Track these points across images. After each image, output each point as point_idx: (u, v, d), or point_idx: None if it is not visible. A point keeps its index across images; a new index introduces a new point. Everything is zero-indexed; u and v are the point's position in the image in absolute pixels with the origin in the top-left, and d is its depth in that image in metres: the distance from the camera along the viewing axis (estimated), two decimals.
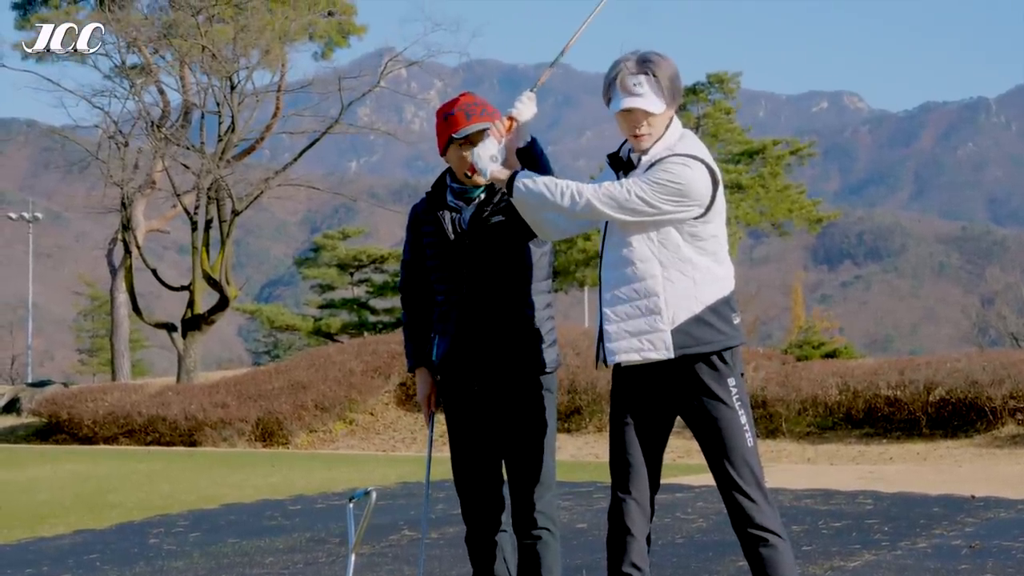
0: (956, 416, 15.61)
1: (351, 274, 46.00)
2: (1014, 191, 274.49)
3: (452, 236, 4.56)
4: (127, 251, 30.74)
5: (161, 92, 31.51)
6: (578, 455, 15.84)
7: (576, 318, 50.59)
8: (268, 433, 18.84)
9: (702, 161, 4.15)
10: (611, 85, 4.18)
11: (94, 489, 12.02)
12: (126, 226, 30.22)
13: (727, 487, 4.19)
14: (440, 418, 4.83)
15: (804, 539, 7.60)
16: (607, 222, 4.24)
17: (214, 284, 28.71)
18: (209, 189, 28.57)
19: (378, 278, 45.86)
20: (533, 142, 4.48)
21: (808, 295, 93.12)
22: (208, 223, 29.61)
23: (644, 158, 4.20)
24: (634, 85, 4.12)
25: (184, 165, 29.28)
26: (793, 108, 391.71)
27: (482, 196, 4.58)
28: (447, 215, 4.59)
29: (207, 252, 29.48)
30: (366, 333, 39.26)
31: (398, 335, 21.28)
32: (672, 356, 4.13)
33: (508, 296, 4.55)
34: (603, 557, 4.34)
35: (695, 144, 4.21)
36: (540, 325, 4.59)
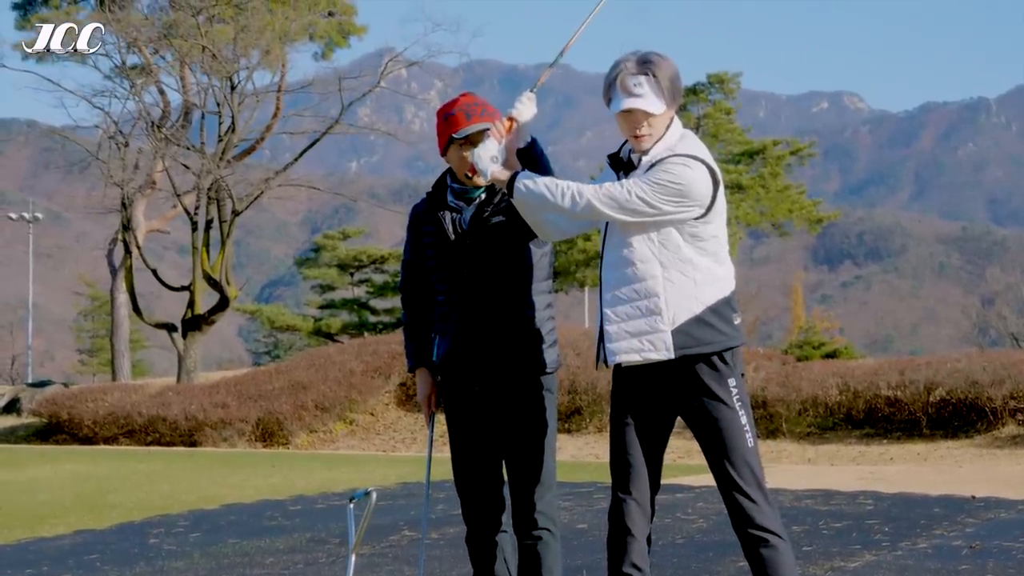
0: (956, 416, 15.61)
1: (351, 274, 46.02)
2: (1014, 191, 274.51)
3: (453, 236, 4.56)
4: (127, 251, 30.75)
5: (161, 92, 31.54)
6: (578, 455, 15.84)
7: (576, 318, 50.62)
8: (268, 433, 18.85)
9: (702, 161, 4.15)
10: (611, 86, 4.18)
11: (94, 489, 12.02)
12: (126, 226, 30.22)
13: (727, 487, 4.19)
14: (440, 418, 4.83)
15: (804, 539, 7.59)
16: (607, 223, 4.24)
17: (214, 284, 28.71)
18: (209, 189, 28.57)
19: (378, 278, 45.88)
20: (533, 142, 4.48)
21: (808, 295, 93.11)
22: (208, 223, 29.62)
23: (644, 159, 4.20)
24: (634, 86, 4.12)
25: (184, 165, 29.29)
26: (793, 108, 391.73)
27: (482, 196, 4.58)
28: (448, 215, 4.59)
29: (207, 252, 29.48)
30: (366, 333, 39.26)
31: (398, 335, 21.28)
32: (672, 356, 4.13)
33: (508, 296, 4.54)
34: (603, 557, 4.34)
35: (695, 144, 4.21)
36: (540, 325, 4.59)
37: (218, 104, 29.22)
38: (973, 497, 9.72)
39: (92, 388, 23.76)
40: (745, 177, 41.87)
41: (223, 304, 28.96)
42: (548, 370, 4.59)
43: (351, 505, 4.72)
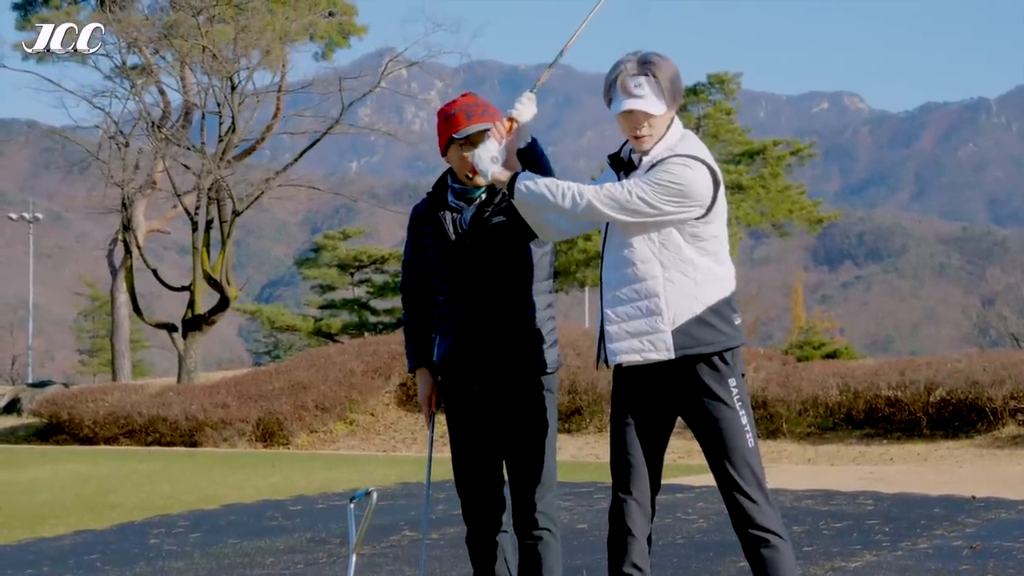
0: (957, 417, 15.61)
1: (351, 274, 46.01)
2: (1015, 192, 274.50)
3: (453, 236, 4.56)
4: (127, 251, 30.74)
5: (162, 92, 31.54)
6: (579, 455, 15.84)
7: (577, 318, 50.61)
8: (269, 433, 18.84)
9: (703, 162, 4.15)
10: (612, 86, 4.18)
11: (95, 489, 12.02)
12: (127, 226, 30.22)
13: (728, 488, 4.19)
14: (441, 418, 4.83)
15: (805, 540, 7.59)
16: (608, 223, 4.24)
17: (215, 284, 28.71)
18: (210, 189, 28.57)
19: (378, 278, 45.87)
20: (534, 143, 4.48)
21: (809, 296, 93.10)
22: (209, 223, 29.62)
23: (645, 159, 4.20)
24: (635, 87, 4.12)
25: (185, 165, 29.28)
26: (793, 109, 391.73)
27: (483, 196, 4.58)
28: (448, 215, 4.59)
29: (208, 252, 29.48)
30: (366, 333, 39.26)
31: (399, 335, 21.28)
32: (673, 357, 4.13)
33: (509, 297, 4.54)
34: (604, 558, 4.34)
35: (696, 145, 4.21)
36: (541, 325, 4.59)
37: (218, 104, 29.22)
38: (973, 497, 9.72)
39: (92, 388, 23.75)
40: (745, 177, 41.87)
41: (223, 304, 28.96)
42: (548, 370, 4.59)
43: (351, 505, 4.72)
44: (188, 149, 29.40)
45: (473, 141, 4.44)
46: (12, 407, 24.60)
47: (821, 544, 7.46)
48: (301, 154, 31.41)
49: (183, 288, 30.05)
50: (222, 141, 29.05)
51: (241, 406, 19.33)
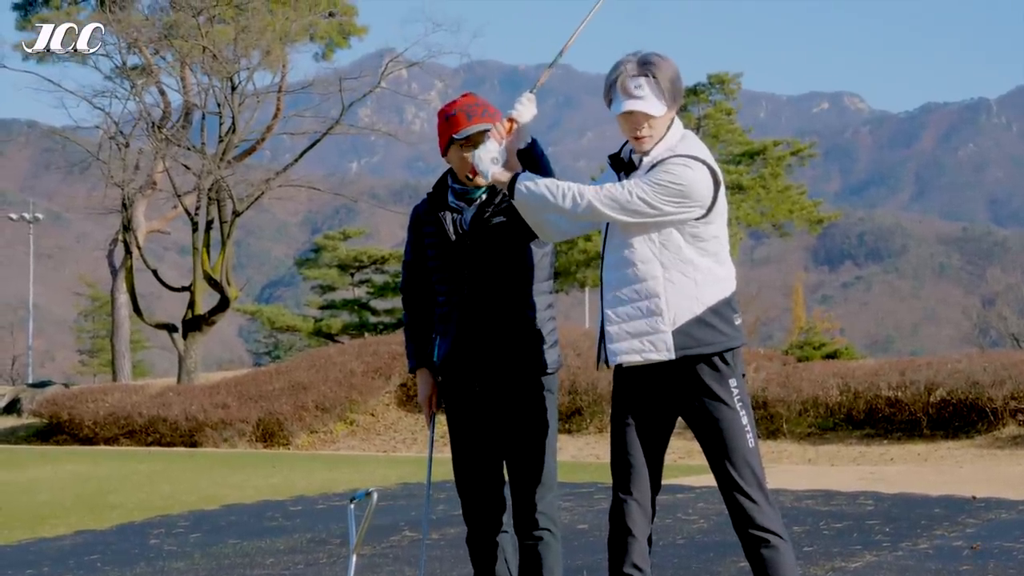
0: (957, 417, 15.61)
1: (352, 275, 46.01)
2: (1015, 192, 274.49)
3: (453, 237, 4.56)
4: (128, 252, 30.75)
5: (162, 93, 31.55)
6: (579, 456, 15.85)
7: (577, 319, 50.62)
8: (269, 434, 18.85)
9: (703, 162, 4.15)
10: (612, 87, 4.18)
11: (95, 490, 12.02)
12: (127, 227, 30.23)
13: (728, 488, 4.19)
14: (441, 419, 4.83)
15: (805, 540, 7.59)
16: (608, 223, 4.24)
17: (215, 285, 28.71)
18: (210, 190, 28.58)
19: (379, 279, 45.87)
20: (534, 143, 4.47)
21: (809, 296, 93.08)
22: (209, 224, 29.62)
23: (645, 159, 4.20)
24: (635, 87, 4.12)
25: (185, 166, 29.29)
26: (794, 109, 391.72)
27: (483, 197, 4.58)
28: (448, 216, 4.59)
29: (208, 253, 29.49)
30: (367, 334, 39.26)
31: (399, 336, 21.28)
32: (673, 357, 4.13)
33: (509, 297, 4.54)
34: (604, 558, 4.34)
35: (696, 145, 4.21)
36: (541, 326, 4.59)
37: (218, 104, 29.22)
38: (974, 497, 9.72)
39: (92, 389, 23.76)
40: (746, 178, 41.85)
41: (223, 304, 28.97)
42: (549, 370, 4.59)
43: (352, 506, 4.72)
44: (188, 149, 29.41)
45: (473, 141, 4.44)
46: (12, 407, 24.61)
47: (821, 544, 7.46)
48: (301, 154, 31.41)
49: (183, 288, 30.06)
50: (222, 141, 29.06)
51: (241, 406, 19.33)
